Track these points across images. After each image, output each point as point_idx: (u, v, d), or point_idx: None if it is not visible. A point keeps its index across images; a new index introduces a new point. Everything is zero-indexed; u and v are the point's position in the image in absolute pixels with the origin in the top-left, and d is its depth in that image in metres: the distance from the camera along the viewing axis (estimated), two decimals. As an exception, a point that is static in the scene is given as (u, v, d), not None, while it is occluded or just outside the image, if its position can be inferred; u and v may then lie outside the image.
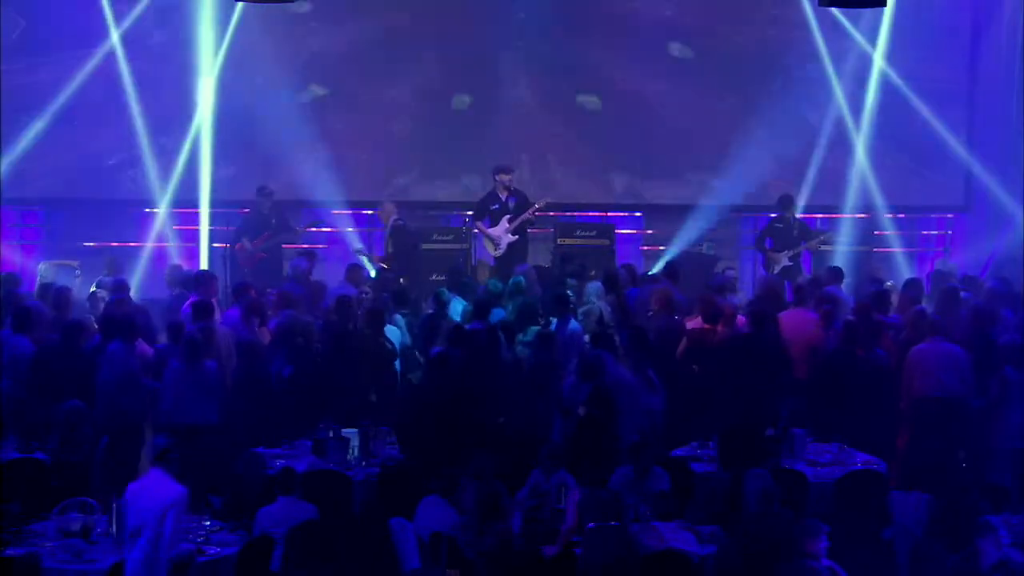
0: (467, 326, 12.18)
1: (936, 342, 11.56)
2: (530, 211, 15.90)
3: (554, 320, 12.68)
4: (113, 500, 8.97)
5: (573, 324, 12.51)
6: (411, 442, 10.85)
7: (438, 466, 9.92)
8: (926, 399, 11.39)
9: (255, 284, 14.15)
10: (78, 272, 15.84)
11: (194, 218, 17.75)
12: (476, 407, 10.87)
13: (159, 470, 8.66)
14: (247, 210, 17.45)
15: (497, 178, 16.06)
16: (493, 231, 15.95)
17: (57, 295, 13.07)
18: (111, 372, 11.19)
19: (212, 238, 17.78)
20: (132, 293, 14.59)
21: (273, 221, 16.37)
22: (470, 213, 16.96)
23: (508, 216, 15.90)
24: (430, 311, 13.12)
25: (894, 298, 13.42)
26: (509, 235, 15.83)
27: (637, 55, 18.09)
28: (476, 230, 16.33)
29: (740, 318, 12.34)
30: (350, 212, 17.82)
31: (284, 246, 16.55)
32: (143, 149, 17.48)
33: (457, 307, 13.25)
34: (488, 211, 16.07)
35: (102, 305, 13.44)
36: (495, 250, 15.91)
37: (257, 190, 16.49)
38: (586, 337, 12.30)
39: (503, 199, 16.01)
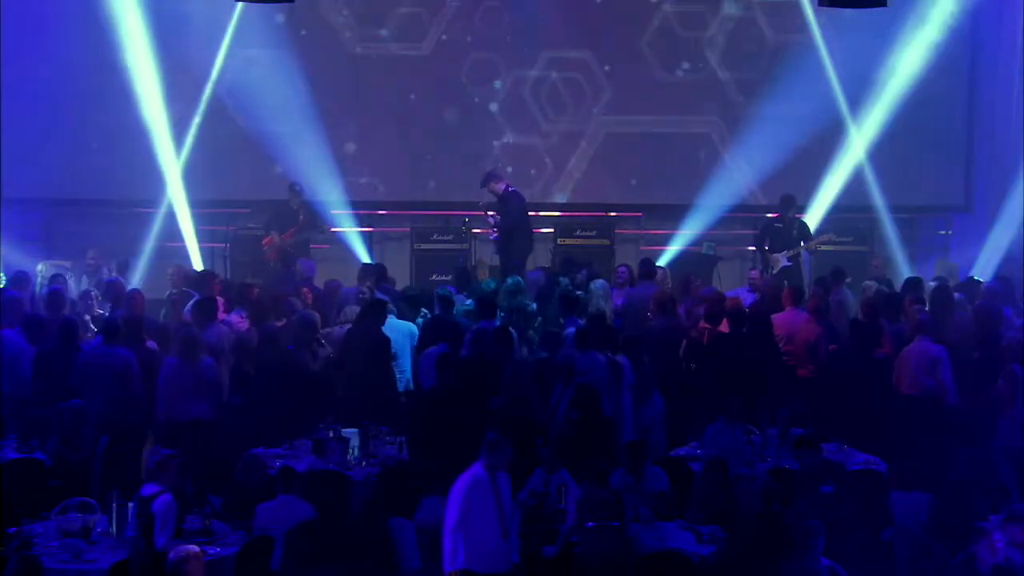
0: (476, 326, 12.21)
1: (920, 341, 11.62)
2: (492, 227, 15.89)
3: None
4: (113, 500, 8.97)
5: (577, 324, 12.51)
6: (419, 442, 10.85)
7: (441, 466, 9.93)
8: (905, 398, 11.52)
9: (260, 282, 14.20)
10: (70, 272, 15.82)
11: (196, 218, 17.84)
12: (482, 406, 10.88)
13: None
14: (247, 210, 17.58)
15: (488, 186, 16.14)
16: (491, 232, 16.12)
17: (51, 296, 13.09)
18: (109, 371, 11.21)
19: (211, 238, 17.87)
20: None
21: (301, 218, 16.51)
22: (471, 213, 17.08)
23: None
24: (436, 312, 13.11)
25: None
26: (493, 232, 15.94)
27: (636, 54, 18.13)
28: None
29: None
30: (350, 212, 17.84)
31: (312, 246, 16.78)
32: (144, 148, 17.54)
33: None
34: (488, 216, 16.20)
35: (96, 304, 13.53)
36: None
37: (288, 187, 16.69)
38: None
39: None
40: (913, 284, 14.10)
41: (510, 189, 15.88)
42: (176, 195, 17.52)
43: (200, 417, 11.08)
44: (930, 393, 11.43)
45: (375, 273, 14.42)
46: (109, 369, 11.19)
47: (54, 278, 14.42)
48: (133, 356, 11.36)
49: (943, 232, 18.58)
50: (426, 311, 13.14)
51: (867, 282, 14.65)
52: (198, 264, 16.90)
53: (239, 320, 12.75)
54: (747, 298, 14.03)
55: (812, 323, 12.41)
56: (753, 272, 15.31)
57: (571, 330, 12.29)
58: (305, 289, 13.83)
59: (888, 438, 11.18)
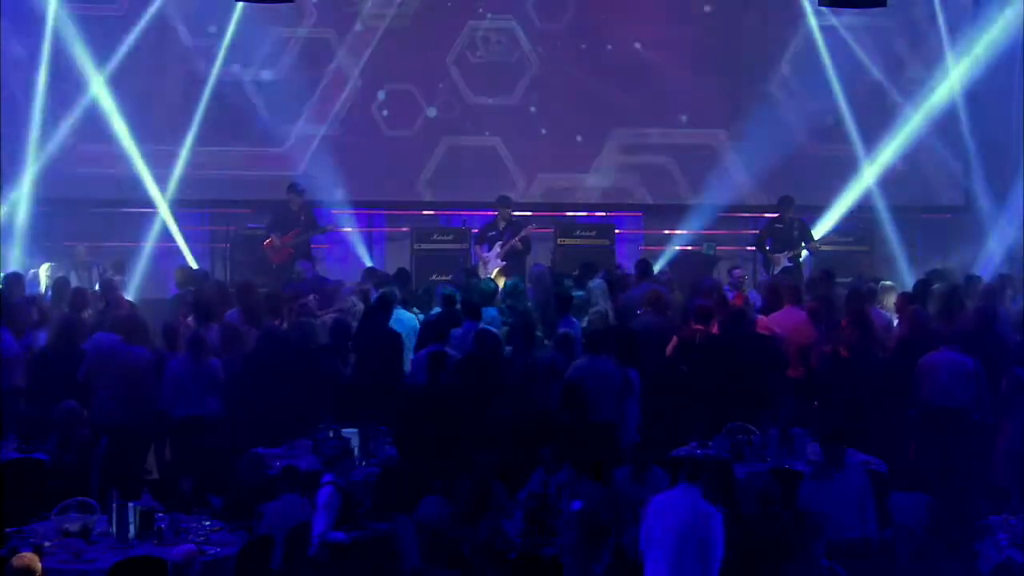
0: (459, 329, 12.22)
1: (947, 351, 11.39)
2: (516, 239, 16.27)
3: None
4: (113, 501, 8.97)
5: (572, 324, 12.50)
6: (410, 441, 10.86)
7: (438, 466, 9.94)
8: (935, 409, 11.25)
9: (261, 282, 14.24)
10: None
11: (192, 218, 17.86)
12: (476, 406, 10.88)
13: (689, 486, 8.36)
14: (248, 210, 17.62)
15: (499, 211, 16.54)
16: (487, 255, 16.42)
17: (74, 295, 13.13)
18: (114, 371, 11.23)
19: (211, 238, 17.91)
20: (132, 293, 14.69)
21: (302, 218, 16.55)
22: (472, 214, 17.33)
23: (500, 242, 16.33)
24: (438, 311, 13.13)
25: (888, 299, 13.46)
26: (499, 260, 16.18)
27: (637, 54, 18.14)
28: (475, 258, 16.76)
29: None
30: (352, 212, 17.85)
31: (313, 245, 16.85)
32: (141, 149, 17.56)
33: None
34: (487, 237, 16.55)
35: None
36: (484, 272, 16.23)
37: (288, 187, 16.71)
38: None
39: (501, 228, 16.45)
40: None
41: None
42: (160, 195, 17.52)
43: (207, 416, 11.09)
44: (964, 406, 11.19)
45: (397, 279, 14.45)
46: (124, 366, 11.25)
47: (59, 280, 14.42)
48: (150, 355, 11.40)
49: (943, 232, 18.57)
50: (417, 310, 13.23)
51: (884, 283, 14.51)
52: (192, 264, 16.93)
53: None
54: (754, 298, 13.98)
55: (809, 326, 12.38)
56: (736, 271, 15.23)
57: (565, 329, 12.31)
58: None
59: (914, 447, 11.12)
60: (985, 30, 17.71)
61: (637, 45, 18.11)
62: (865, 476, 9.58)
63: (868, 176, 17.91)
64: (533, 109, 18.18)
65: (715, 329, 12.28)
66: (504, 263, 16.24)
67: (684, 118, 18.19)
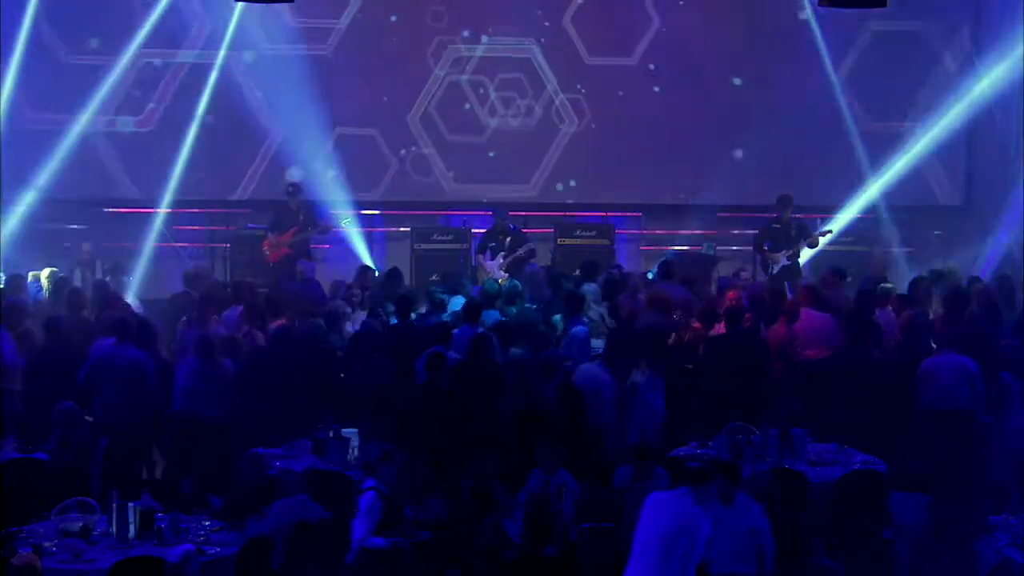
0: (456, 329, 12.21)
1: (948, 355, 11.39)
2: (521, 252, 16.33)
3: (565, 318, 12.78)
4: (113, 501, 8.97)
5: (578, 326, 12.51)
6: (410, 441, 10.86)
7: (438, 466, 9.95)
8: (937, 412, 11.23)
9: (261, 282, 14.26)
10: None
11: (192, 218, 17.86)
12: (471, 408, 10.90)
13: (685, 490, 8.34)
14: (248, 210, 17.63)
15: (497, 222, 16.63)
16: (489, 264, 16.46)
17: (71, 295, 13.13)
18: (115, 372, 11.22)
19: (211, 238, 17.92)
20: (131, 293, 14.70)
21: (301, 218, 16.55)
22: (473, 214, 17.41)
23: (503, 253, 16.36)
24: (423, 311, 13.15)
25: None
26: (502, 272, 16.20)
27: (635, 55, 18.13)
28: (476, 262, 16.83)
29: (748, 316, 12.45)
30: (350, 213, 17.84)
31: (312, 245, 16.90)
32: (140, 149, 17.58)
33: (456, 307, 13.31)
34: (488, 247, 16.57)
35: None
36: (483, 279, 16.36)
37: (287, 187, 16.75)
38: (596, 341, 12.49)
39: (500, 240, 16.49)
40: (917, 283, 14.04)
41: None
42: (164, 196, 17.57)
43: (218, 418, 11.09)
44: (966, 408, 11.16)
45: (389, 279, 14.46)
46: (118, 369, 11.22)
47: (60, 280, 14.42)
48: (146, 357, 11.36)
49: (943, 232, 18.58)
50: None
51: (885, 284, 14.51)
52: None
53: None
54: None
55: (783, 324, 12.39)
56: (744, 272, 15.24)
57: (577, 329, 12.31)
58: None
59: (914, 448, 11.11)
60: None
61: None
62: (762, 525, 8.77)
63: (871, 178, 17.89)
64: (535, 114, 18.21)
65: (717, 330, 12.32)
66: (507, 275, 16.29)
67: (686, 119, 18.20)
